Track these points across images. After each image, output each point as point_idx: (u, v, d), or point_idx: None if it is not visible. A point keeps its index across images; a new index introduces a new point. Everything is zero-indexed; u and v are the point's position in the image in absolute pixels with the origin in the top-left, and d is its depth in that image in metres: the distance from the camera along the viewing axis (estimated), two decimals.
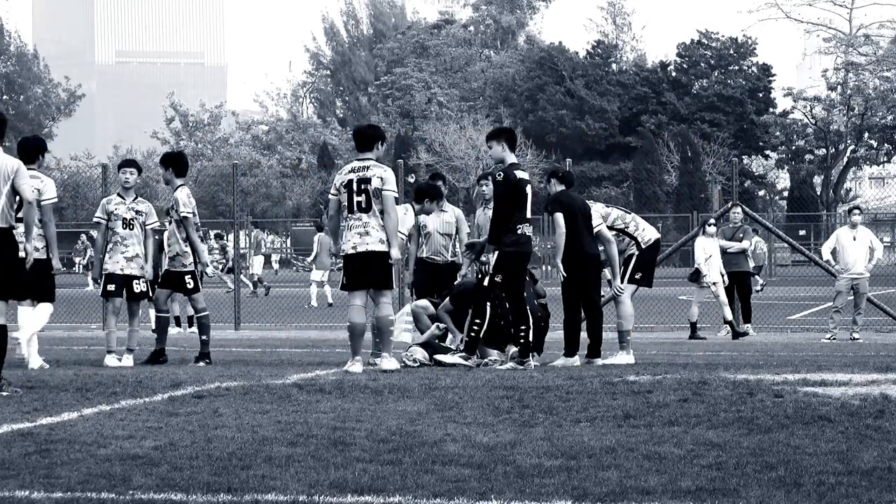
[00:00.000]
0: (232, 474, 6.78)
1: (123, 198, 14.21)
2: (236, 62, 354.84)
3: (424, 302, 14.30)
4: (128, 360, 14.02)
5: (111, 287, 14.04)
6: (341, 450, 7.51)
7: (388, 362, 12.29)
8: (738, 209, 22.85)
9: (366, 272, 12.32)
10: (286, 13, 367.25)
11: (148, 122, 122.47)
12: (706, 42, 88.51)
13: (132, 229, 14.14)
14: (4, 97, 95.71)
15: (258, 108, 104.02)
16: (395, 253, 12.37)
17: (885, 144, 77.72)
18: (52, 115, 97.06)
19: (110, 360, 13.95)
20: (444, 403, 9.57)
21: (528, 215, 12.85)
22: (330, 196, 12.60)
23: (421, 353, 13.51)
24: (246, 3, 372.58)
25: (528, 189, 12.90)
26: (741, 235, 22.53)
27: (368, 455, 7.33)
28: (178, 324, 23.17)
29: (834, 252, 21.56)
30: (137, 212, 14.21)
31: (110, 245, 14.10)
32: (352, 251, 12.32)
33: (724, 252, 22.83)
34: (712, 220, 22.47)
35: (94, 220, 14.22)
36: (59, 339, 19.36)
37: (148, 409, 9.34)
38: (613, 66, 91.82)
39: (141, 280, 14.19)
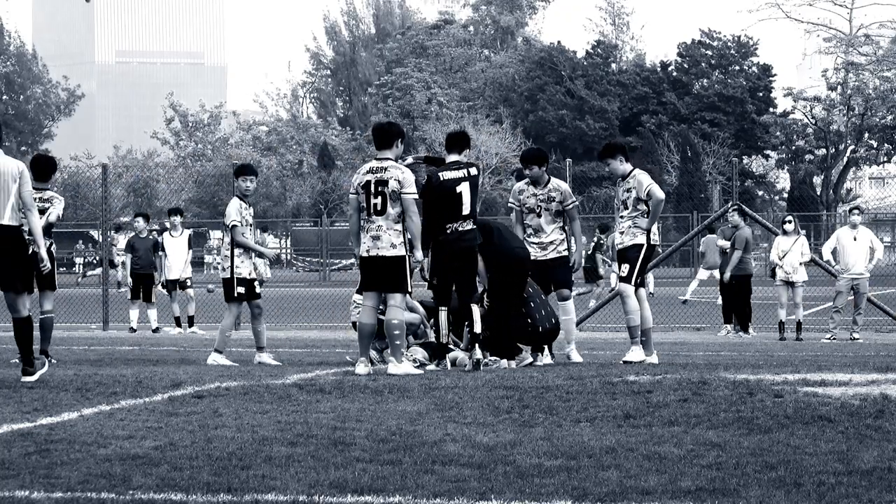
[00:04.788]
0: (232, 474, 6.78)
1: (247, 203, 14.47)
2: (236, 62, 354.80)
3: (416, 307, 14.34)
4: (268, 358, 14.35)
5: (241, 290, 14.29)
6: (341, 450, 7.51)
7: (394, 367, 12.25)
8: (735, 209, 22.88)
9: (377, 276, 12.26)
10: (286, 13, 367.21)
11: (148, 122, 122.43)
12: (707, 42, 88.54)
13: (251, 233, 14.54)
14: (4, 97, 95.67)
15: (258, 109, 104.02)
16: (419, 255, 12.30)
17: (885, 144, 77.68)
18: (51, 115, 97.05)
19: (219, 359, 14.24)
20: (444, 403, 9.56)
21: (466, 212, 12.68)
22: (350, 195, 12.53)
23: (421, 353, 13.53)
24: (246, 3, 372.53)
25: (462, 186, 12.70)
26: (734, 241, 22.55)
27: (368, 455, 7.33)
28: (179, 324, 23.19)
29: (834, 252, 21.59)
30: (253, 216, 14.60)
31: (240, 251, 14.28)
32: (365, 255, 12.29)
33: (723, 252, 22.87)
34: (790, 218, 22.41)
35: (232, 222, 14.25)
36: (59, 339, 19.36)
37: (148, 409, 9.34)
38: (613, 66, 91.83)
39: (256, 281, 14.54)
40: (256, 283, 14.54)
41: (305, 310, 29.67)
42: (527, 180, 13.89)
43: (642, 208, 13.45)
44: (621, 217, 13.67)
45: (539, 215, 13.73)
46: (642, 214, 13.48)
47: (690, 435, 7.99)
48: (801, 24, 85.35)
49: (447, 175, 12.77)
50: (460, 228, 12.72)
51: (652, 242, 13.57)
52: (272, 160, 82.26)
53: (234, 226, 14.26)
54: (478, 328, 12.74)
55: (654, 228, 13.64)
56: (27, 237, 11.42)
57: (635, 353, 13.66)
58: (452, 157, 13.04)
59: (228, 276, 14.35)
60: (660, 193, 13.41)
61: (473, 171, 13.02)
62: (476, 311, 12.79)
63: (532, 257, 13.58)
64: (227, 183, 70.45)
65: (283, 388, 10.68)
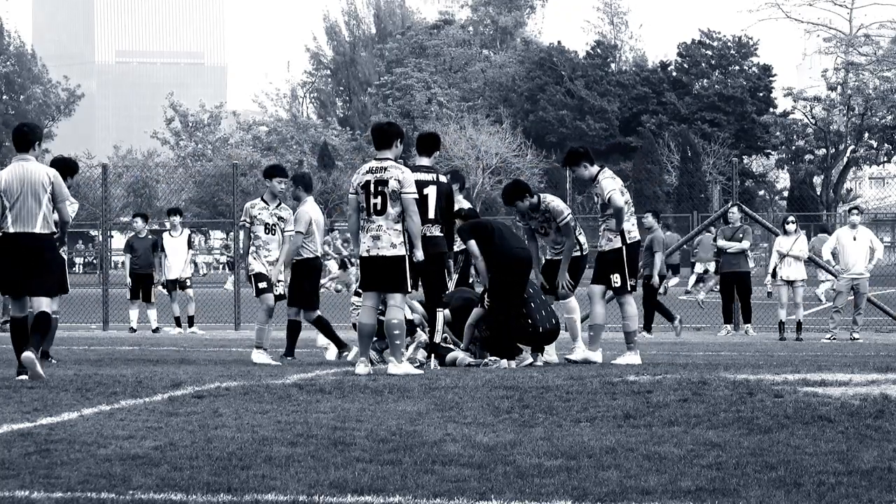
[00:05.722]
0: (232, 474, 6.78)
1: (267, 204, 14.62)
2: (236, 62, 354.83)
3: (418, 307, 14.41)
4: (261, 357, 14.33)
5: (263, 284, 14.44)
6: (341, 450, 7.51)
7: (394, 367, 12.25)
8: (735, 209, 22.90)
9: (377, 276, 12.27)
10: (286, 13, 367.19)
11: (148, 122, 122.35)
12: (707, 42, 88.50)
13: (273, 234, 14.56)
14: (4, 97, 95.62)
15: (258, 109, 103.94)
16: (420, 254, 12.33)
17: (885, 144, 77.60)
18: (52, 115, 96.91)
19: (259, 357, 14.26)
20: (444, 403, 9.56)
21: (431, 216, 13.03)
22: (349, 195, 12.56)
23: (421, 354, 13.54)
24: (246, 3, 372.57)
25: (430, 190, 13.05)
26: (741, 235, 22.55)
27: (368, 455, 7.33)
28: (178, 324, 23.19)
29: (834, 252, 21.59)
30: (280, 218, 14.54)
31: (252, 249, 14.60)
32: (365, 254, 12.31)
33: (723, 252, 22.87)
34: (792, 219, 22.40)
35: (240, 223, 14.80)
36: (59, 339, 19.34)
37: (148, 409, 9.34)
38: (613, 66, 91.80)
39: (280, 283, 14.63)
40: (277, 284, 14.67)
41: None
42: None
43: (610, 211, 13.52)
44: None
45: (546, 234, 13.88)
46: (611, 216, 13.54)
47: (690, 435, 7.99)
48: (801, 24, 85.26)
49: (416, 177, 12.89)
50: (428, 234, 12.96)
51: (629, 241, 13.59)
52: (272, 160, 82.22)
53: (241, 225, 14.53)
54: (437, 337, 13.14)
55: (628, 226, 13.63)
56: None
57: (630, 357, 13.76)
58: (423, 161, 13.38)
59: (248, 274, 14.62)
60: (618, 202, 13.45)
61: (444, 179, 13.34)
62: (440, 318, 13.16)
63: (549, 257, 13.93)
64: (227, 183, 70.46)
65: (283, 388, 10.68)
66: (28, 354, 11.49)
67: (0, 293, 12.19)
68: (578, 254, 13.91)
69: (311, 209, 15.31)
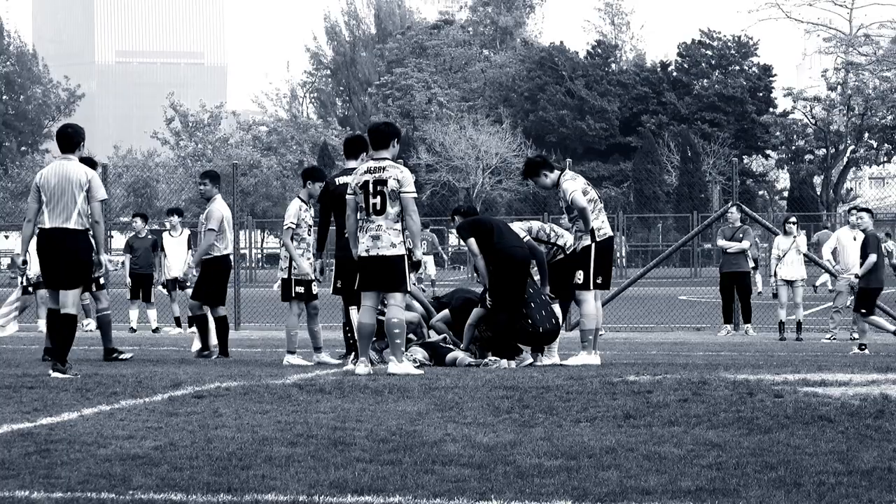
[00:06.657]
0: (232, 474, 6.78)
1: (308, 205, 14.52)
2: (236, 62, 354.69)
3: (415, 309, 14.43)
4: (327, 357, 14.41)
5: (300, 290, 14.43)
6: (341, 450, 7.51)
7: (395, 366, 12.23)
8: (735, 209, 22.89)
9: (377, 276, 12.24)
10: (286, 13, 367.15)
11: (148, 122, 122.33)
12: (707, 42, 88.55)
13: (310, 235, 14.53)
14: (4, 97, 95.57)
15: (258, 109, 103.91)
16: (419, 253, 12.33)
17: (885, 144, 77.64)
18: (52, 115, 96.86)
19: (293, 360, 14.23)
20: (444, 403, 9.56)
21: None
22: (347, 196, 12.52)
23: (421, 354, 13.55)
24: (246, 3, 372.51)
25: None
26: (741, 236, 22.56)
27: (368, 455, 7.33)
28: (178, 324, 23.20)
29: (834, 252, 21.59)
30: (312, 216, 14.64)
31: (298, 252, 14.36)
32: (364, 254, 12.28)
33: (723, 252, 22.87)
34: (793, 219, 22.39)
35: (289, 225, 14.32)
36: None
37: (148, 409, 9.34)
38: (613, 66, 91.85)
39: (314, 282, 14.57)
40: (314, 283, 14.58)
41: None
42: None
43: (576, 213, 13.53)
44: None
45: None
46: (579, 217, 13.55)
47: (690, 435, 7.99)
48: (801, 24, 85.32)
49: (343, 180, 13.00)
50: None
51: (598, 239, 13.54)
52: (272, 160, 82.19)
53: (287, 228, 14.35)
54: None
55: (598, 224, 13.59)
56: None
57: (581, 357, 13.66)
58: (350, 164, 13.36)
59: (286, 276, 14.43)
60: (580, 202, 13.42)
61: None
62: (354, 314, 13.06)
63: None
64: (227, 183, 70.40)
65: (283, 388, 10.68)
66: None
67: (45, 286, 12.54)
68: (563, 256, 13.89)
69: (222, 207, 15.35)
